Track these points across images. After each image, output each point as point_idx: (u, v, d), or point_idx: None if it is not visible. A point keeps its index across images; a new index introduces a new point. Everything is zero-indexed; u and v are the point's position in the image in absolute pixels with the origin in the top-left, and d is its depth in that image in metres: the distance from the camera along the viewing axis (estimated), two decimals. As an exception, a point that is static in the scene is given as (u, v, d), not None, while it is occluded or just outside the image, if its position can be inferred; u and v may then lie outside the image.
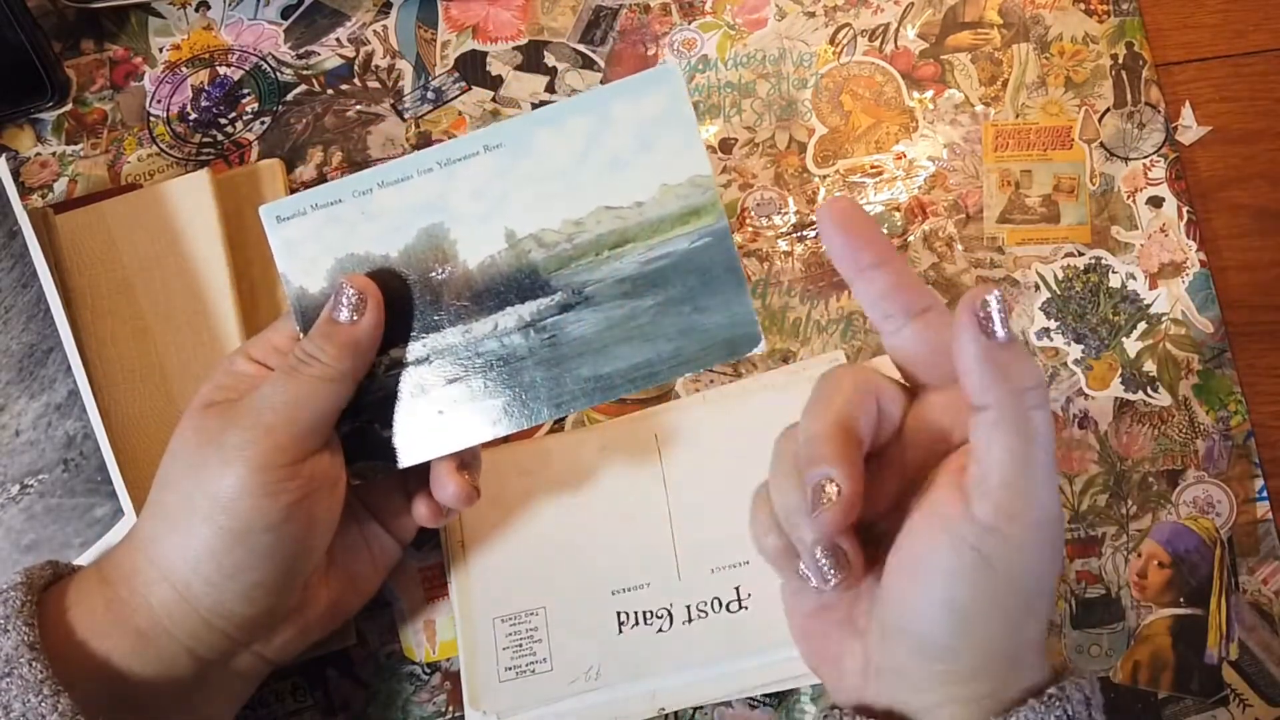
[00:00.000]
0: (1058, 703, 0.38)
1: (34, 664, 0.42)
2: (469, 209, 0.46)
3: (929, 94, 0.64)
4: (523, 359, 0.46)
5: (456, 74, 0.66)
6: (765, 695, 0.52)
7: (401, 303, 0.47)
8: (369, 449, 0.48)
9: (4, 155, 0.65)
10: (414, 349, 0.47)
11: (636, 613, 0.52)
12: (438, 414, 0.47)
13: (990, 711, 0.38)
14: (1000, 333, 0.36)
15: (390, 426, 0.47)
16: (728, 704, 0.52)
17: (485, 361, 0.47)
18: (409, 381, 0.47)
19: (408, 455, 0.48)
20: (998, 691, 0.39)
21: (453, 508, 0.50)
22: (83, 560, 0.51)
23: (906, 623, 0.39)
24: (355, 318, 0.46)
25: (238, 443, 0.44)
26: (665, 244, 0.45)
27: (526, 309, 0.46)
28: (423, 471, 0.49)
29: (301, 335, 0.47)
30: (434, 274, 0.47)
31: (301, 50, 0.68)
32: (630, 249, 0.45)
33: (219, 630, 0.45)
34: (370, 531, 0.51)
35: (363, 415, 0.47)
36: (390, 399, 0.47)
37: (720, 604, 0.52)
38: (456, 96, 0.66)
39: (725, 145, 0.63)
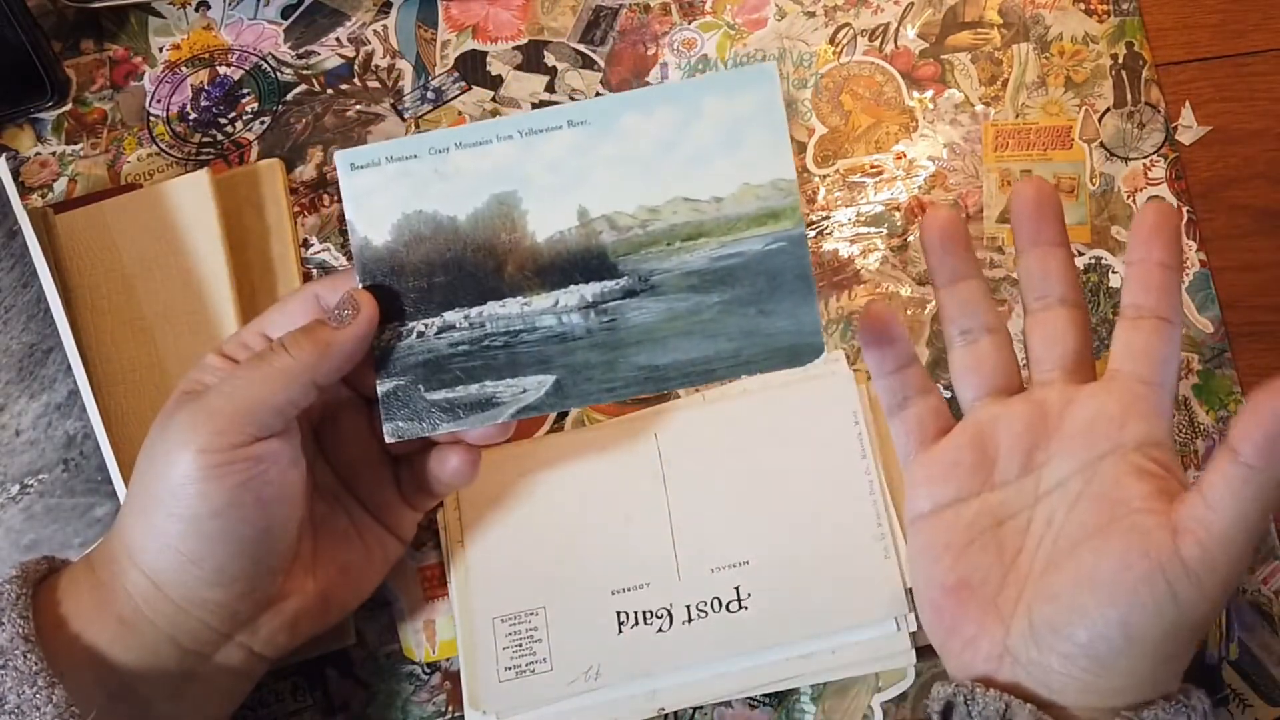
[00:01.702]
0: (1184, 709, 0.40)
1: (28, 655, 0.42)
2: (544, 181, 0.46)
3: (929, 94, 0.64)
4: (578, 339, 0.46)
5: (456, 74, 0.66)
6: (765, 695, 0.52)
7: (462, 266, 0.46)
8: (409, 410, 0.47)
9: (4, 155, 0.65)
10: (470, 314, 0.46)
11: (636, 612, 0.52)
12: (482, 385, 0.47)
13: (1120, 708, 0.40)
14: None
15: (434, 389, 0.47)
16: (728, 704, 0.52)
17: (540, 336, 0.46)
18: (459, 346, 0.47)
19: (447, 421, 0.47)
20: (1132, 699, 0.40)
21: (453, 484, 0.50)
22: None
23: (1069, 629, 0.40)
24: (341, 320, 0.45)
25: (181, 427, 0.44)
26: (739, 243, 0.45)
27: (590, 289, 0.46)
28: (418, 464, 0.50)
29: (360, 285, 0.47)
30: (500, 242, 0.46)
31: (301, 50, 0.68)
32: (703, 243, 0.45)
33: (197, 619, 0.45)
34: (363, 523, 0.51)
35: (406, 375, 0.47)
36: (438, 361, 0.47)
37: (720, 604, 0.52)
38: (456, 96, 0.66)
39: (725, 145, 0.63)
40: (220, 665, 0.47)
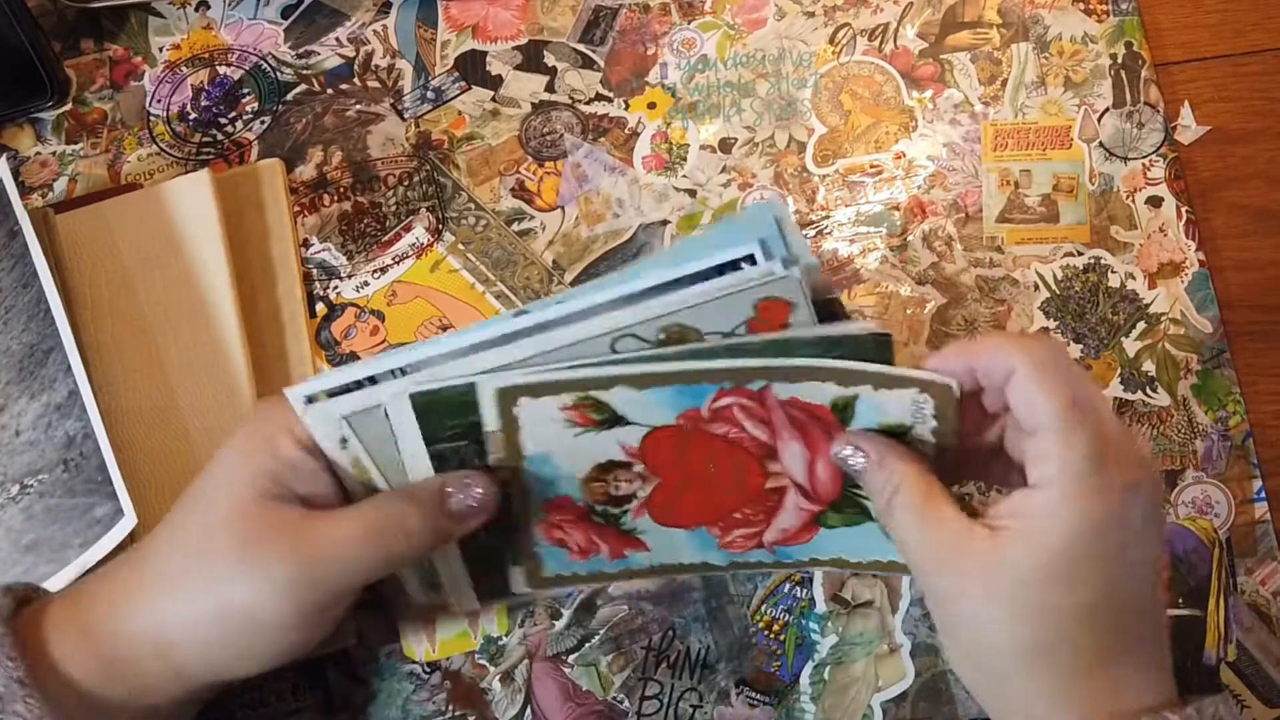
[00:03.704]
0: None
1: (29, 700, 0.41)
2: None
3: (928, 93, 0.64)
4: None
5: (456, 73, 0.66)
6: (765, 695, 0.52)
7: None
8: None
9: (4, 155, 0.65)
10: None
11: None
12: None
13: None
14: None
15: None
16: (728, 702, 0.52)
17: None
18: None
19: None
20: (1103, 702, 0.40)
21: None
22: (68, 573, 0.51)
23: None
24: (467, 513, 0.45)
25: (287, 582, 0.43)
26: None
27: None
28: None
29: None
30: None
31: (301, 50, 0.68)
32: None
33: (207, 688, 0.46)
34: None
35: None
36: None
37: None
38: (456, 96, 0.66)
39: (725, 145, 0.63)
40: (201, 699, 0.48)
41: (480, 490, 0.45)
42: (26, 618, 0.45)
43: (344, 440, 0.44)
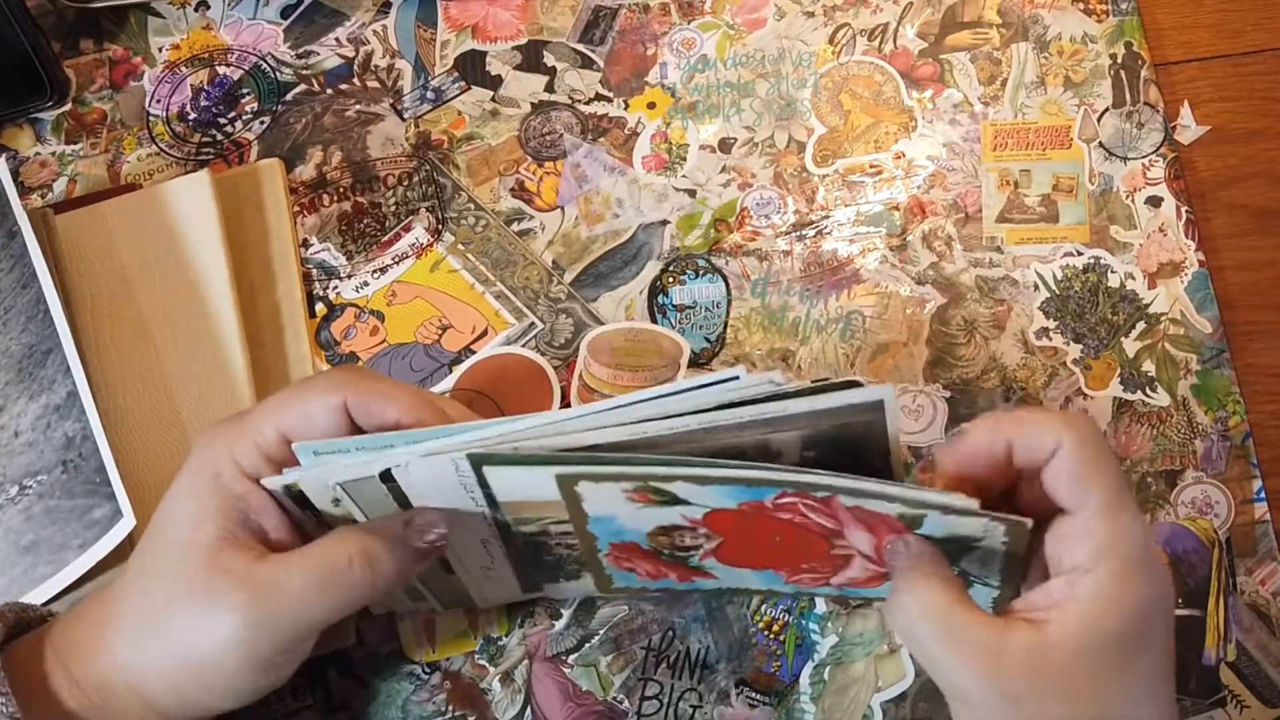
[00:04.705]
0: None
1: None
2: None
3: (928, 93, 0.64)
4: None
5: (456, 73, 0.66)
6: (765, 695, 0.52)
7: None
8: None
9: (4, 155, 0.65)
10: None
11: None
12: None
13: None
14: None
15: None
16: (728, 703, 0.52)
17: None
18: None
19: None
20: None
21: None
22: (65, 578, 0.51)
23: None
24: (428, 550, 0.45)
25: (239, 635, 0.43)
26: None
27: None
28: None
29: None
30: None
31: (301, 50, 0.68)
32: None
33: None
34: None
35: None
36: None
37: None
38: (456, 96, 0.66)
39: (724, 145, 0.63)
40: None
41: (442, 530, 0.45)
42: (19, 650, 0.45)
43: (336, 500, 0.45)
